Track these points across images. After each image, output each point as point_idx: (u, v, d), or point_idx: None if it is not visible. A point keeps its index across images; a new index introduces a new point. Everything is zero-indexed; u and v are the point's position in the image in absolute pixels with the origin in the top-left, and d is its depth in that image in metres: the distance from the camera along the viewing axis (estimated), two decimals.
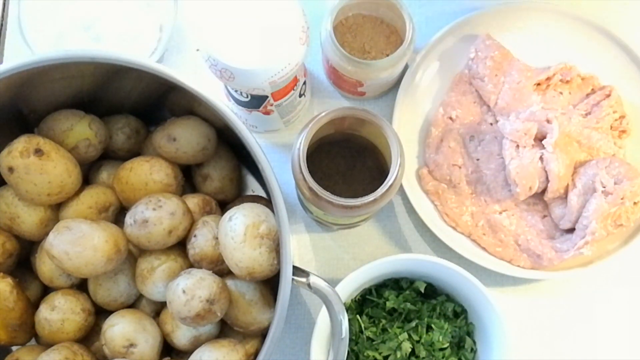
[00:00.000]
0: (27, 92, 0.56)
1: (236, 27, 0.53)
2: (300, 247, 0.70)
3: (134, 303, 0.60)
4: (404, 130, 0.69)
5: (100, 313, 0.59)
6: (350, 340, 0.63)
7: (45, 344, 0.58)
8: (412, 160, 0.70)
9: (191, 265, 0.57)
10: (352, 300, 0.66)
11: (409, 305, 0.64)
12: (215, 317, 0.52)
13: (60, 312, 0.56)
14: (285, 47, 0.53)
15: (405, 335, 0.62)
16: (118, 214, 0.61)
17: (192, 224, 0.57)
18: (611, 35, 0.69)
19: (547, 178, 0.65)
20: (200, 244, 0.56)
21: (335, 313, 0.51)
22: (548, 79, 0.68)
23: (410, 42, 0.61)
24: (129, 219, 0.55)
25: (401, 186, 0.67)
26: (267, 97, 0.60)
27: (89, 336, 0.59)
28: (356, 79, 0.64)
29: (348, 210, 0.53)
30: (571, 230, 0.66)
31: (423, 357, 0.62)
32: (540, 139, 0.66)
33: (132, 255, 0.59)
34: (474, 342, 0.65)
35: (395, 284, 0.66)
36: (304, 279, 0.51)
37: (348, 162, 0.59)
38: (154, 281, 0.56)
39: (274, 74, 0.54)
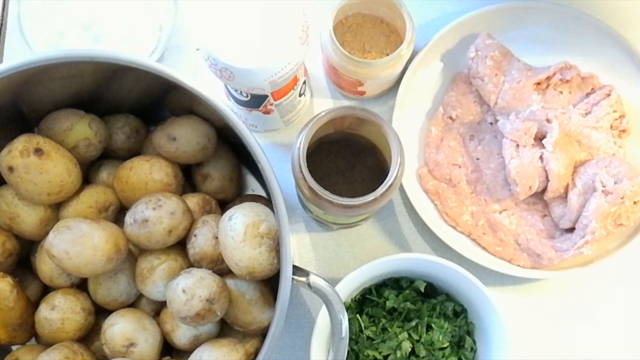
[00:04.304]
0: (27, 91, 0.56)
1: (236, 26, 0.53)
2: (300, 247, 0.70)
3: (134, 302, 0.60)
4: (404, 130, 0.69)
5: (100, 312, 0.59)
6: (350, 339, 0.63)
7: (45, 344, 0.58)
8: (412, 159, 0.70)
9: (191, 265, 0.57)
10: (352, 299, 0.66)
11: (408, 304, 0.64)
12: (215, 316, 0.52)
13: (60, 312, 0.56)
14: (285, 47, 0.53)
15: (405, 334, 0.62)
16: (118, 214, 0.61)
17: (192, 223, 0.57)
18: (611, 35, 0.69)
19: (547, 177, 0.65)
20: (200, 243, 0.56)
21: (335, 312, 0.51)
22: (548, 78, 0.68)
23: (410, 41, 0.61)
24: (129, 218, 0.55)
25: (401, 186, 0.67)
26: (267, 96, 0.60)
27: (89, 335, 0.59)
28: (356, 78, 0.64)
29: (348, 209, 0.53)
30: (571, 229, 0.66)
31: (423, 357, 0.62)
32: (540, 138, 0.66)
33: (132, 254, 0.59)
34: (474, 342, 0.65)
35: (395, 283, 0.66)
36: (304, 279, 0.51)
37: (348, 161, 0.59)
38: (154, 280, 0.56)
39: (273, 73, 0.54)
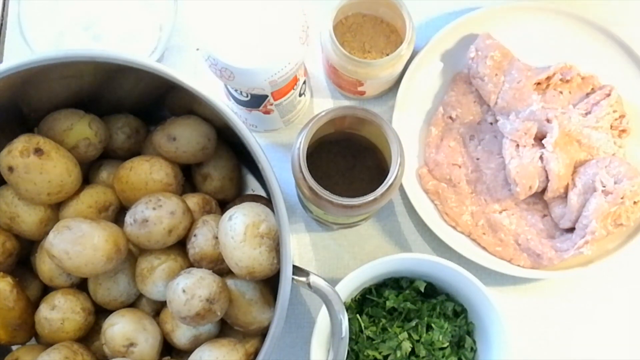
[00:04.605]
0: (27, 91, 0.56)
1: (236, 26, 0.53)
2: (300, 247, 0.70)
3: (134, 302, 0.60)
4: (404, 130, 0.69)
5: (100, 312, 0.59)
6: (350, 339, 0.63)
7: (45, 344, 0.58)
8: (412, 159, 0.70)
9: (191, 265, 0.57)
10: (352, 299, 0.66)
11: (409, 304, 0.64)
12: (215, 316, 0.52)
13: (60, 312, 0.56)
14: (285, 47, 0.53)
15: (405, 334, 0.62)
16: (118, 214, 0.61)
17: (192, 223, 0.57)
18: (611, 35, 0.69)
19: (547, 177, 0.65)
20: (200, 243, 0.56)
21: (335, 312, 0.51)
22: (548, 78, 0.68)
23: (410, 41, 0.61)
24: (129, 218, 0.55)
25: (401, 186, 0.67)
26: (267, 96, 0.60)
27: (89, 335, 0.59)
28: (356, 78, 0.64)
29: (348, 209, 0.53)
30: (571, 229, 0.66)
31: (423, 357, 0.62)
32: (540, 138, 0.66)
33: (132, 254, 0.59)
34: (474, 342, 0.65)
35: (395, 283, 0.66)
36: (304, 279, 0.51)
37: (348, 161, 0.59)
38: (154, 280, 0.56)
39: (273, 73, 0.54)
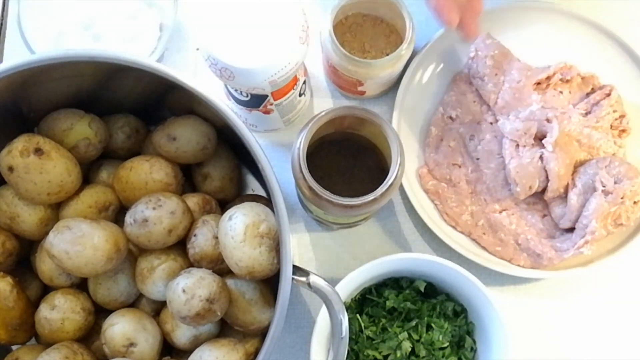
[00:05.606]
0: (27, 91, 0.56)
1: (236, 26, 0.53)
2: (300, 247, 0.70)
3: (134, 302, 0.60)
4: (404, 130, 0.69)
5: (100, 312, 0.59)
6: (350, 339, 0.63)
7: (45, 343, 0.58)
8: (412, 159, 0.70)
9: (191, 265, 0.57)
10: (352, 299, 0.66)
11: (409, 304, 0.64)
12: (215, 316, 0.52)
13: (60, 312, 0.56)
14: (285, 46, 0.53)
15: (405, 334, 0.62)
16: (118, 214, 0.61)
17: (192, 223, 0.57)
18: (611, 35, 0.69)
19: (547, 177, 0.65)
20: (200, 243, 0.56)
21: (335, 312, 0.51)
22: (548, 78, 0.68)
23: (410, 41, 0.61)
24: (128, 218, 0.55)
25: (401, 185, 0.67)
26: (267, 96, 0.60)
27: (89, 335, 0.59)
28: (356, 78, 0.64)
29: (348, 209, 0.53)
30: (571, 229, 0.66)
31: (423, 357, 0.62)
32: (540, 138, 0.66)
33: (132, 254, 0.59)
34: (474, 342, 0.65)
35: (395, 283, 0.66)
36: (304, 278, 0.51)
37: (348, 161, 0.59)
38: (154, 280, 0.56)
39: (273, 73, 0.54)
